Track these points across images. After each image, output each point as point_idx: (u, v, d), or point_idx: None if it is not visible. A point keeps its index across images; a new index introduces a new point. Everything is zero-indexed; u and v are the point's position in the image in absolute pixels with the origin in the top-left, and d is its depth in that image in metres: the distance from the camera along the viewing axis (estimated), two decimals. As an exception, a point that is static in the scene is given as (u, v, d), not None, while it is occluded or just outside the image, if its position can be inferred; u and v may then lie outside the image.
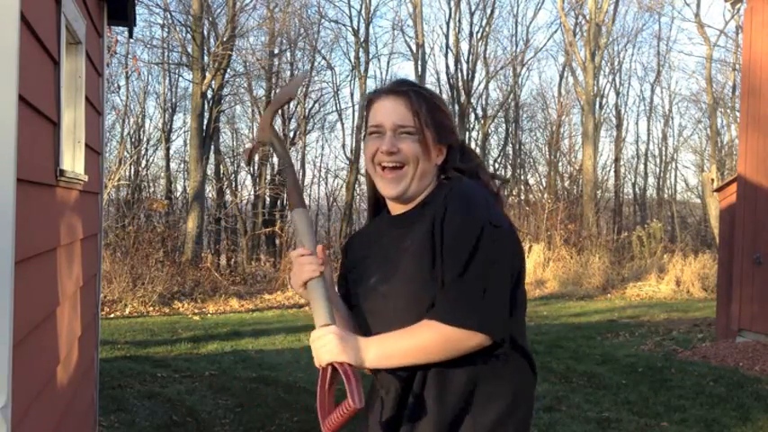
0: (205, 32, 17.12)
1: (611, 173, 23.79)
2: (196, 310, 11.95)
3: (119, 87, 17.96)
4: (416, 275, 1.58)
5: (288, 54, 20.47)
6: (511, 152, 23.44)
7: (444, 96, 20.67)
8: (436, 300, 1.55)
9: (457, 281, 1.52)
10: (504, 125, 23.65)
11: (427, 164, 1.67)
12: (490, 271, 1.53)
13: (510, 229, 1.59)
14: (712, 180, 13.45)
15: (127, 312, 11.38)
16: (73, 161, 3.53)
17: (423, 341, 1.53)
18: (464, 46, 22.96)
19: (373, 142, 1.68)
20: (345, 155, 21.32)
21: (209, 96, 17.18)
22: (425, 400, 1.58)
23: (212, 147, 18.11)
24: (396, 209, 1.73)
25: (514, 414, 1.59)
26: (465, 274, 1.52)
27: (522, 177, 23.17)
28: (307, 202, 20.49)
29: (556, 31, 30.21)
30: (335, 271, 1.79)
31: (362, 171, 21.84)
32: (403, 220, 1.70)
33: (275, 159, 19.98)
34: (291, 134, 20.16)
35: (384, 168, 1.67)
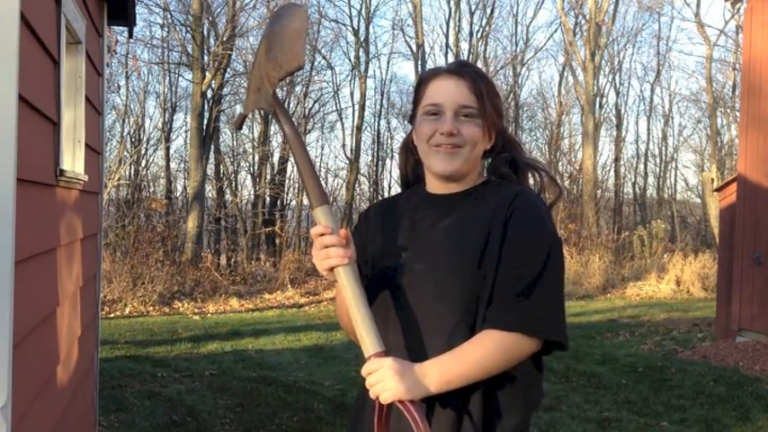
0: (205, 32, 17.11)
1: (611, 172, 23.80)
2: (196, 310, 11.96)
3: (119, 87, 18.00)
4: (461, 264, 1.55)
5: (288, 54, 20.45)
6: (511, 152, 23.41)
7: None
8: (502, 308, 1.51)
9: (529, 291, 1.51)
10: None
11: (482, 147, 1.65)
12: (558, 281, 1.56)
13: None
14: (712, 180, 13.45)
15: (127, 312, 11.38)
16: (73, 161, 3.52)
17: (482, 358, 1.48)
18: (464, 45, 22.98)
19: (430, 123, 1.62)
20: (345, 155, 21.32)
21: (209, 96, 17.17)
22: (471, 397, 1.53)
23: (212, 146, 18.10)
24: (436, 188, 1.69)
25: (527, 422, 1.61)
26: (539, 285, 1.52)
27: (522, 177, 23.14)
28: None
29: (556, 31, 30.25)
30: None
31: (362, 171, 21.93)
32: (443, 201, 1.66)
33: (275, 158, 19.99)
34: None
35: (439, 146, 1.62)
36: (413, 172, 1.77)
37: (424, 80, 1.68)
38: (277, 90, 1.60)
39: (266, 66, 1.57)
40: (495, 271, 1.53)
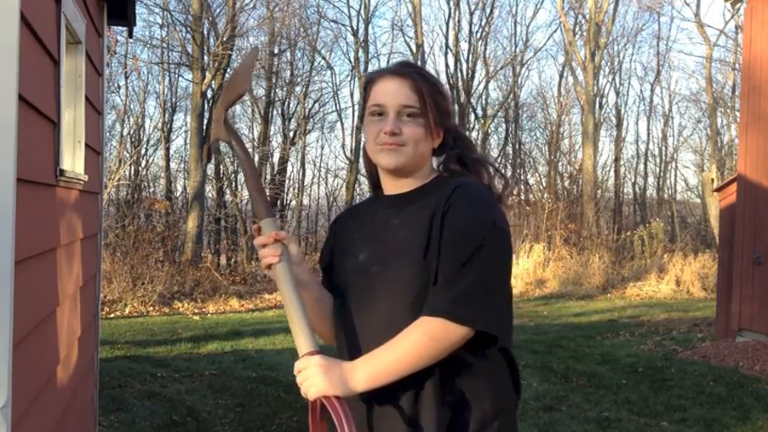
0: (205, 32, 17.10)
1: (611, 173, 23.78)
2: (196, 310, 11.95)
3: (119, 87, 17.97)
4: (408, 261, 1.58)
5: (288, 54, 20.50)
6: (511, 152, 23.44)
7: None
8: (432, 295, 1.53)
9: (458, 277, 1.51)
10: (503, 125, 23.65)
11: (427, 145, 1.68)
12: (493, 270, 1.54)
13: (509, 232, 1.62)
14: (712, 180, 13.46)
15: (127, 312, 11.38)
16: (73, 161, 3.52)
17: (411, 348, 1.50)
18: (464, 46, 22.95)
19: (375, 124, 1.67)
20: (345, 155, 21.32)
21: (210, 96, 17.17)
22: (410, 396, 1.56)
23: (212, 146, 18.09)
24: (391, 188, 1.73)
25: (498, 417, 1.59)
26: (468, 271, 1.50)
27: (522, 177, 23.16)
28: (306, 202, 20.52)
29: (555, 31, 30.25)
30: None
31: (363, 170, 21.90)
32: (396, 201, 1.71)
33: (276, 158, 19.99)
34: (291, 134, 20.15)
35: (384, 144, 1.66)
36: (377, 173, 1.80)
37: (369, 82, 1.72)
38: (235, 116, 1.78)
39: (222, 98, 1.73)
40: (437, 264, 1.55)
